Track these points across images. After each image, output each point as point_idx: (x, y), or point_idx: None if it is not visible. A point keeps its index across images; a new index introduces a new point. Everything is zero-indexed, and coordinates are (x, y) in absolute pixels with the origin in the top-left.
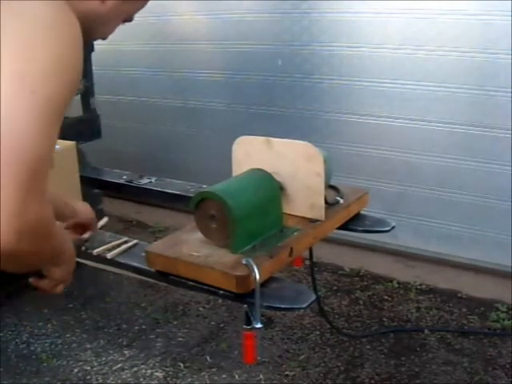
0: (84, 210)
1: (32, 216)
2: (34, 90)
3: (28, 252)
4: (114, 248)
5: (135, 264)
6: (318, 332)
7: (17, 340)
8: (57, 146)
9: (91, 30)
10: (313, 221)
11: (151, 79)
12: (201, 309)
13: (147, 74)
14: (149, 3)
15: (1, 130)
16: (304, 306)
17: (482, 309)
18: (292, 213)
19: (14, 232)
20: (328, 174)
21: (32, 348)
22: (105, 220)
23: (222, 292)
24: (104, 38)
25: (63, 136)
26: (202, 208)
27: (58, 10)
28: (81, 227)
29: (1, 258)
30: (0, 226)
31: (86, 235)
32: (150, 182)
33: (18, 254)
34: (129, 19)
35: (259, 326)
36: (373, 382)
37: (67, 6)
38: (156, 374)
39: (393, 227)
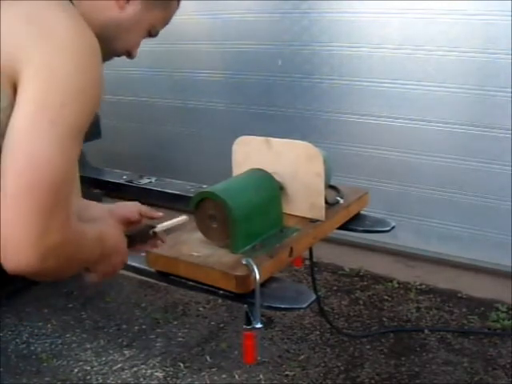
0: (122, 207)
1: (55, 237)
2: (53, 118)
3: (55, 269)
4: None
5: (135, 264)
6: (317, 332)
7: (17, 340)
8: None
9: (113, 41)
10: (313, 221)
11: (151, 79)
12: (201, 309)
13: (147, 74)
14: None
15: (22, 157)
16: (304, 306)
17: (482, 309)
18: (292, 213)
19: (37, 254)
20: (328, 174)
21: (32, 348)
22: (183, 218)
23: (221, 292)
24: (130, 55)
25: None
26: (202, 208)
27: (80, 35)
28: (127, 223)
29: (28, 275)
30: (24, 250)
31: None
32: (150, 182)
33: (44, 273)
34: (154, 33)
35: (259, 325)
36: (373, 381)
37: (87, 28)
38: (156, 374)
39: (393, 227)
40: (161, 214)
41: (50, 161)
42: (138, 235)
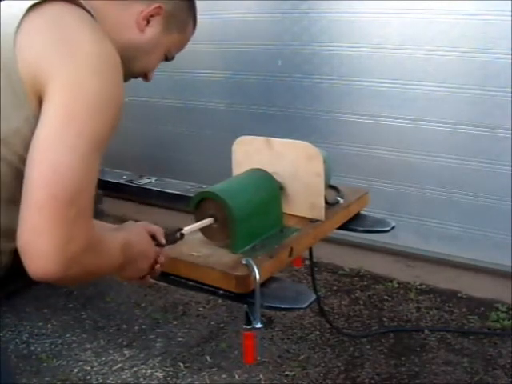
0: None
1: (78, 245)
2: (77, 131)
3: (78, 276)
4: None
5: None
6: (317, 332)
7: (17, 340)
8: None
9: (132, 62)
10: (313, 221)
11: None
12: (201, 309)
13: None
14: None
15: (47, 168)
16: (304, 306)
17: (482, 309)
18: (292, 213)
19: (61, 262)
20: (328, 174)
21: (32, 348)
22: (208, 220)
23: (221, 292)
24: (146, 78)
25: None
26: (202, 208)
27: (104, 50)
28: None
29: (53, 282)
30: (48, 258)
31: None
32: (150, 182)
33: (68, 279)
34: (170, 57)
35: (259, 325)
36: (373, 382)
37: (111, 44)
38: (156, 374)
39: (393, 227)
40: (163, 241)
41: (74, 172)
42: (167, 238)
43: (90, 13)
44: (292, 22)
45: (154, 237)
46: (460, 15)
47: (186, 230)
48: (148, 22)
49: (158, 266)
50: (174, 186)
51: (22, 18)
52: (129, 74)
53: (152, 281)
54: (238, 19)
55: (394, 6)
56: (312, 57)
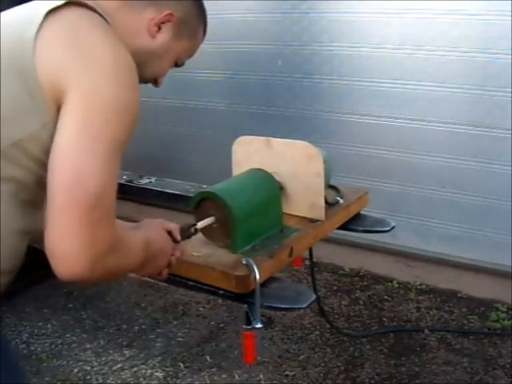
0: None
1: (102, 247)
2: (96, 135)
3: (103, 276)
4: None
5: None
6: (317, 332)
7: (17, 340)
8: None
9: (142, 67)
10: (313, 221)
11: None
12: (201, 309)
13: None
14: None
15: (69, 173)
16: (304, 306)
17: (482, 309)
18: (292, 213)
19: (86, 264)
20: (328, 174)
21: (32, 348)
22: (206, 221)
23: (221, 292)
24: (156, 83)
25: None
26: (202, 208)
27: (120, 56)
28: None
29: (79, 283)
30: (74, 260)
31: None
32: (150, 182)
33: (94, 280)
34: (180, 63)
35: (259, 325)
36: (373, 381)
37: (126, 49)
38: (156, 374)
39: (393, 227)
40: (179, 238)
41: (95, 176)
42: (182, 233)
43: (105, 19)
44: (292, 21)
45: (170, 233)
46: (460, 15)
47: (200, 225)
48: (159, 28)
49: (173, 259)
50: (174, 185)
51: (41, 23)
52: (139, 80)
53: (165, 275)
54: (237, 19)
55: (393, 6)
56: (312, 57)
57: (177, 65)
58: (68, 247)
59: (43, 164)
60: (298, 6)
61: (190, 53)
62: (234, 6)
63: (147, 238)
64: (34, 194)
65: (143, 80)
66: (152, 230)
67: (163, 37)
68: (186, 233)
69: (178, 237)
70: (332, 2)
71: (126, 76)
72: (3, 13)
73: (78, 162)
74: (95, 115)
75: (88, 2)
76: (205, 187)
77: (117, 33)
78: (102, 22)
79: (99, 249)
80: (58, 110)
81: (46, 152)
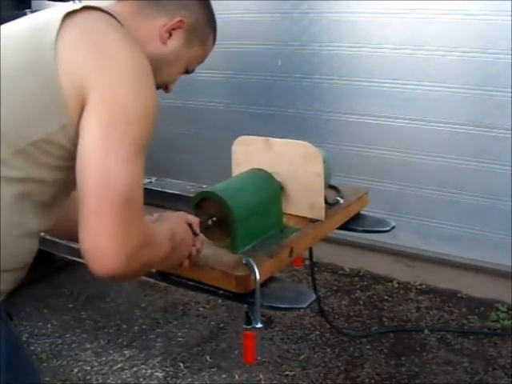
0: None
1: (136, 242)
2: (119, 138)
3: (138, 270)
4: None
5: None
6: (317, 332)
7: None
8: None
9: (154, 73)
10: (313, 221)
11: None
12: (201, 309)
13: None
14: None
15: (98, 178)
16: (304, 306)
17: (482, 309)
18: (292, 213)
19: (122, 260)
20: (328, 174)
21: (32, 348)
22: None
23: (221, 292)
24: (167, 89)
25: None
26: (202, 208)
27: (138, 60)
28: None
29: (115, 279)
30: (110, 257)
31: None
32: (150, 182)
33: (129, 275)
34: (190, 69)
35: (259, 325)
36: (373, 381)
37: (142, 52)
38: (156, 374)
39: (393, 227)
40: (198, 231)
41: (123, 177)
42: (201, 226)
43: (119, 22)
44: (292, 21)
45: (190, 226)
46: (460, 15)
47: (216, 218)
48: (170, 34)
49: (194, 249)
50: (174, 186)
51: (59, 27)
52: None
53: (186, 265)
54: (237, 19)
55: (393, 6)
56: (312, 57)
57: (187, 71)
58: (103, 246)
59: (58, 165)
60: (297, 6)
61: (201, 59)
62: (234, 6)
63: (172, 229)
64: (48, 195)
65: (155, 86)
66: (175, 223)
67: (174, 43)
68: (204, 225)
69: (198, 230)
70: (332, 1)
71: (144, 77)
72: (9, 24)
73: (105, 165)
74: (117, 118)
75: (103, 7)
76: (205, 187)
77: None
78: (118, 25)
79: (133, 245)
80: (81, 111)
81: (63, 153)
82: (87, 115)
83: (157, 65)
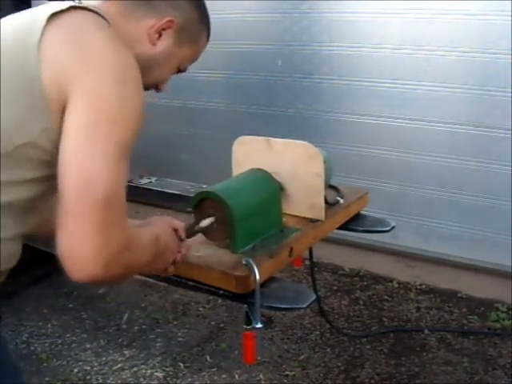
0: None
1: (116, 246)
2: (103, 139)
3: (119, 274)
4: None
5: None
6: (318, 332)
7: (17, 340)
8: None
9: (143, 74)
10: (313, 221)
11: None
12: (201, 309)
13: None
14: None
15: (79, 179)
16: (304, 306)
17: (482, 309)
18: (292, 213)
19: (102, 264)
20: (328, 174)
21: (32, 348)
22: (210, 220)
23: (222, 292)
24: (158, 88)
25: None
26: (202, 208)
27: (123, 58)
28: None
29: (94, 283)
30: (89, 262)
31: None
32: (150, 181)
33: (109, 279)
34: (183, 68)
35: (259, 325)
36: (373, 381)
37: (129, 51)
38: (156, 374)
39: (393, 227)
40: (184, 236)
41: (105, 180)
42: (187, 232)
43: (107, 22)
44: (292, 21)
45: (175, 231)
46: (460, 15)
47: (203, 223)
48: (160, 35)
49: (179, 255)
50: (174, 186)
51: (45, 26)
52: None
53: (171, 271)
54: (237, 19)
55: (393, 6)
56: (312, 57)
57: (179, 71)
58: (81, 250)
59: (40, 168)
60: (298, 6)
61: (193, 58)
62: (234, 5)
63: (156, 234)
64: (30, 199)
65: (145, 86)
66: (160, 227)
67: (164, 44)
68: (191, 231)
69: (183, 235)
70: (332, 2)
71: (130, 78)
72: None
73: (86, 166)
74: (101, 117)
75: (90, 6)
76: (205, 187)
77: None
78: (106, 25)
79: (112, 249)
80: (63, 113)
81: (47, 157)
82: (70, 115)
83: (146, 65)
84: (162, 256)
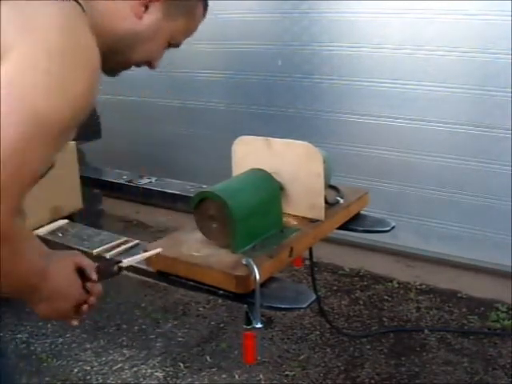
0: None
1: None
2: (20, 98)
3: None
4: (113, 248)
5: (135, 264)
6: (317, 332)
7: (17, 340)
8: None
9: (130, 51)
10: (313, 221)
11: (151, 79)
12: (201, 309)
13: (147, 73)
14: None
15: None
16: (304, 306)
17: (482, 309)
18: (292, 213)
19: None
20: (328, 174)
21: (32, 348)
22: (156, 251)
23: (221, 292)
24: (151, 65)
25: None
26: (202, 208)
27: (70, 38)
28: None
29: None
30: None
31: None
32: (150, 182)
33: None
34: (175, 43)
35: (259, 325)
36: (373, 381)
37: (81, 28)
38: (156, 374)
39: (393, 227)
40: (95, 277)
41: (12, 154)
42: (102, 271)
43: (80, 5)
44: (292, 21)
45: (83, 272)
46: (460, 15)
47: (126, 262)
48: (146, 8)
49: (85, 306)
50: (174, 186)
51: None
52: (128, 63)
53: (74, 322)
54: (238, 19)
55: (393, 6)
56: (312, 57)
57: (171, 45)
58: None
59: None
60: (298, 6)
61: (188, 32)
62: (235, 6)
63: (45, 272)
64: None
65: (135, 63)
66: (58, 268)
67: (151, 17)
68: (108, 271)
69: (94, 276)
70: (332, 2)
71: (75, 60)
72: None
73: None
74: (25, 77)
75: None
76: (205, 187)
77: (97, 17)
78: (68, 7)
79: None
80: None
81: None
82: None
83: (133, 41)
84: (52, 302)
